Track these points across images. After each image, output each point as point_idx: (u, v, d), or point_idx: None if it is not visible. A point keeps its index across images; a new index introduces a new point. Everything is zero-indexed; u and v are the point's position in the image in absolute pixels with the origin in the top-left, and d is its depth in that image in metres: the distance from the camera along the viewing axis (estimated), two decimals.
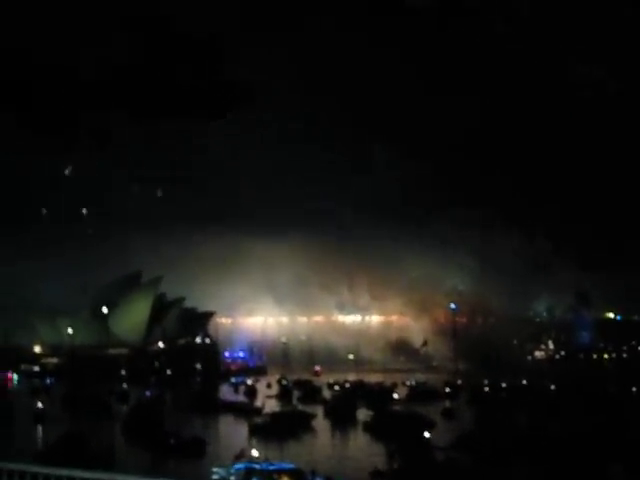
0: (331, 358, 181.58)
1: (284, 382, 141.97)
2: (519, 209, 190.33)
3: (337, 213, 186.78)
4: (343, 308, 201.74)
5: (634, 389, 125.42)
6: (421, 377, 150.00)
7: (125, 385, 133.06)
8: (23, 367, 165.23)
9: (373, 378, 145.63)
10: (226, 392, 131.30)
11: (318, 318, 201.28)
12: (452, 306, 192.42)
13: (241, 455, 60.36)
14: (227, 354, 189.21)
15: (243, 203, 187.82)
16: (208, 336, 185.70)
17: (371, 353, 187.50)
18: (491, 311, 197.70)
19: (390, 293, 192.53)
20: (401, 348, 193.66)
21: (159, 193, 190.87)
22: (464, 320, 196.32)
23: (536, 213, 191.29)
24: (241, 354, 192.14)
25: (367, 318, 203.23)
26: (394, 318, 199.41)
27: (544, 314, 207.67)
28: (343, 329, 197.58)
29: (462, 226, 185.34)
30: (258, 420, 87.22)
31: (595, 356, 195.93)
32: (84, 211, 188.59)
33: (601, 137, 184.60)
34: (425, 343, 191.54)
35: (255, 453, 61.26)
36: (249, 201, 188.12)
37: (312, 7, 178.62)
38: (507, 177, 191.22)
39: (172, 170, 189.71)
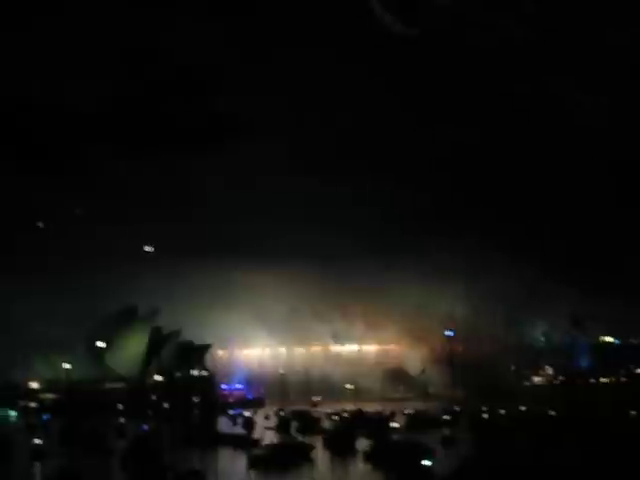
0: (329, 388, 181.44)
1: (282, 413, 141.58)
2: (512, 236, 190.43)
3: (328, 243, 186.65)
4: (337, 338, 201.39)
5: (633, 413, 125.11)
6: (419, 405, 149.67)
7: (122, 419, 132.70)
8: (20, 403, 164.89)
9: (371, 407, 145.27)
10: (224, 424, 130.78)
11: (313, 348, 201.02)
12: (449, 333, 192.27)
13: None
14: (224, 386, 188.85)
15: (235, 235, 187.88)
16: (205, 368, 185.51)
17: (368, 382, 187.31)
18: (488, 338, 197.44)
19: (384, 322, 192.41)
20: (398, 377, 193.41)
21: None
22: (461, 347, 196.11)
23: (529, 240, 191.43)
24: (238, 386, 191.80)
25: (362, 347, 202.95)
26: (389, 347, 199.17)
27: (541, 340, 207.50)
28: (339, 359, 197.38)
29: (455, 254, 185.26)
30: (257, 452, 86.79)
31: (593, 380, 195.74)
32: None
33: (593, 161, 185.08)
34: (423, 371, 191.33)
35: None
36: (241, 233, 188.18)
37: (302, 40, 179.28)
38: (500, 204, 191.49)
39: (163, 202, 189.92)
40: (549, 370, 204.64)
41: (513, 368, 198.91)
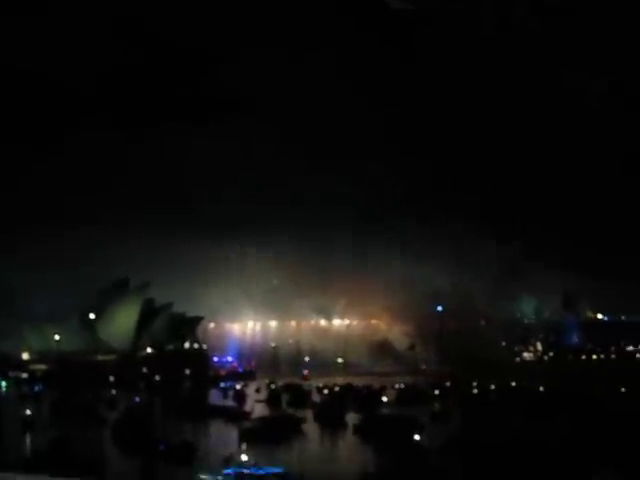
0: (318, 362, 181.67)
1: (273, 386, 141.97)
2: (502, 213, 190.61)
3: (313, 219, 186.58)
4: (322, 312, 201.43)
5: (623, 389, 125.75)
6: (409, 380, 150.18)
7: (114, 391, 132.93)
8: (11, 374, 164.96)
9: (361, 381, 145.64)
10: (215, 397, 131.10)
11: (302, 323, 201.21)
12: (438, 308, 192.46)
13: (230, 459, 60.30)
14: (216, 359, 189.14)
15: (224, 210, 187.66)
16: (197, 341, 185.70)
17: (357, 357, 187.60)
18: (477, 314, 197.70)
19: (369, 297, 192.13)
20: (387, 352, 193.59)
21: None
22: (450, 323, 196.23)
23: (519, 215, 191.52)
24: (230, 359, 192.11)
25: (350, 322, 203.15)
26: (377, 322, 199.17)
27: (532, 316, 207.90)
28: (325, 333, 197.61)
29: (443, 230, 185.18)
30: (248, 425, 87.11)
31: (584, 357, 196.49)
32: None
33: (588, 142, 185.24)
34: (412, 346, 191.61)
35: (244, 458, 61.19)
36: (230, 207, 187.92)
37: (301, 19, 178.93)
38: (491, 178, 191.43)
39: (157, 177, 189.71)
40: (539, 346, 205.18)
41: (503, 344, 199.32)
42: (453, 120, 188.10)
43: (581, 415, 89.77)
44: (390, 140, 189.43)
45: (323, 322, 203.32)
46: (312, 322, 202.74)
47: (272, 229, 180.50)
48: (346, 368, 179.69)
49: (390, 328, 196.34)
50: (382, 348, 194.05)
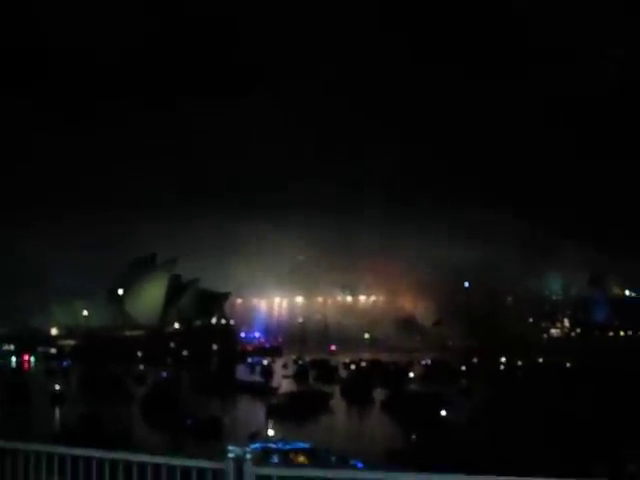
0: (344, 337, 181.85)
1: (300, 362, 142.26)
2: (529, 188, 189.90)
3: (340, 196, 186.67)
4: (347, 289, 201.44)
5: None
6: (436, 356, 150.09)
7: (142, 366, 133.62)
8: (40, 349, 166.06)
9: (387, 357, 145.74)
10: (242, 372, 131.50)
11: (329, 299, 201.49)
12: (465, 284, 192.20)
13: (256, 435, 60.50)
14: (243, 335, 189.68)
15: (252, 186, 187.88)
16: (224, 317, 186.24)
17: (384, 333, 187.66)
18: (505, 290, 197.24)
19: (398, 274, 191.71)
20: (413, 328, 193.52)
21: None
22: (477, 299, 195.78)
23: (546, 192, 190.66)
24: (257, 334, 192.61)
25: (377, 298, 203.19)
26: (404, 298, 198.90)
27: (559, 292, 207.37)
28: (354, 310, 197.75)
29: (471, 208, 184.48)
30: (275, 400, 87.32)
31: (611, 333, 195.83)
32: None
33: (614, 119, 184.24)
34: (439, 322, 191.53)
35: (271, 432, 61.38)
36: (258, 183, 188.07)
37: None
38: (519, 156, 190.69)
39: (182, 153, 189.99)
40: (566, 323, 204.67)
41: (530, 320, 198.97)
42: (484, 99, 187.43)
43: (608, 390, 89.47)
44: (418, 119, 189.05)
45: (349, 298, 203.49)
46: (338, 298, 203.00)
47: (300, 205, 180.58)
48: (373, 344, 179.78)
49: (416, 304, 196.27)
50: (408, 324, 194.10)
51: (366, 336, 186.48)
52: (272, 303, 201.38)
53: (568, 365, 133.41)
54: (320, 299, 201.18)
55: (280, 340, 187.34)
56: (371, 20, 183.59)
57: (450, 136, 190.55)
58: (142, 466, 10.15)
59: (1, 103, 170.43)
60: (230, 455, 9.96)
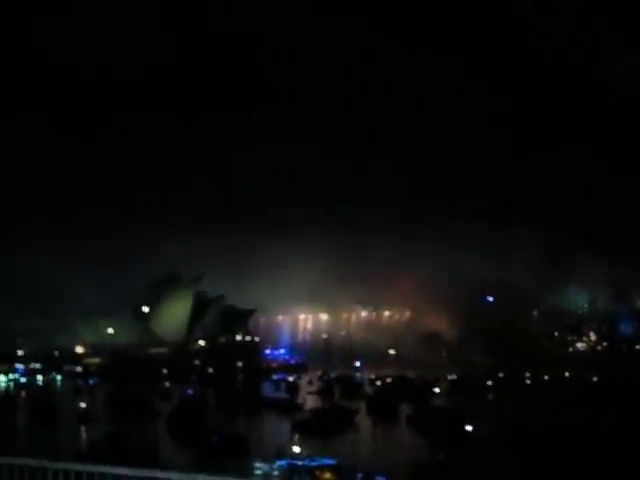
0: (369, 353, 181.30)
1: (325, 378, 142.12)
2: (554, 204, 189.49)
3: (357, 213, 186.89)
4: (374, 305, 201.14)
5: None
6: (461, 371, 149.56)
7: (167, 384, 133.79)
8: (66, 367, 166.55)
9: (412, 373, 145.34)
10: (268, 389, 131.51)
11: (353, 315, 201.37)
12: (489, 299, 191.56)
13: (282, 451, 60.49)
14: (268, 351, 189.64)
15: (273, 204, 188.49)
16: (249, 334, 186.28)
17: (408, 348, 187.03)
18: (530, 304, 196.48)
19: (421, 290, 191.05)
20: (438, 343, 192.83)
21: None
22: (502, 314, 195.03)
23: (571, 208, 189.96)
24: (282, 351, 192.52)
25: (401, 314, 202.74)
26: (427, 314, 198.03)
27: (585, 306, 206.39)
28: (378, 325, 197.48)
29: (494, 223, 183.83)
30: (300, 417, 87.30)
31: (638, 347, 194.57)
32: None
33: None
34: (464, 337, 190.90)
35: (297, 449, 61.38)
36: (279, 202, 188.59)
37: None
38: (540, 170, 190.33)
39: (204, 171, 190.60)
40: (592, 336, 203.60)
41: (556, 334, 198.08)
42: (502, 110, 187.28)
43: (636, 405, 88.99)
44: (434, 132, 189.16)
45: (373, 314, 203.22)
46: (363, 314, 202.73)
47: (322, 223, 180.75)
48: (397, 360, 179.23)
49: (440, 320, 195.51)
50: (433, 340, 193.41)
51: (391, 352, 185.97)
52: (296, 320, 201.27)
53: (595, 379, 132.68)
54: (344, 315, 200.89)
55: (305, 357, 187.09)
56: (387, 41, 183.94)
57: (470, 152, 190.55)
58: None
59: (22, 120, 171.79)
60: (257, 472, 10.08)
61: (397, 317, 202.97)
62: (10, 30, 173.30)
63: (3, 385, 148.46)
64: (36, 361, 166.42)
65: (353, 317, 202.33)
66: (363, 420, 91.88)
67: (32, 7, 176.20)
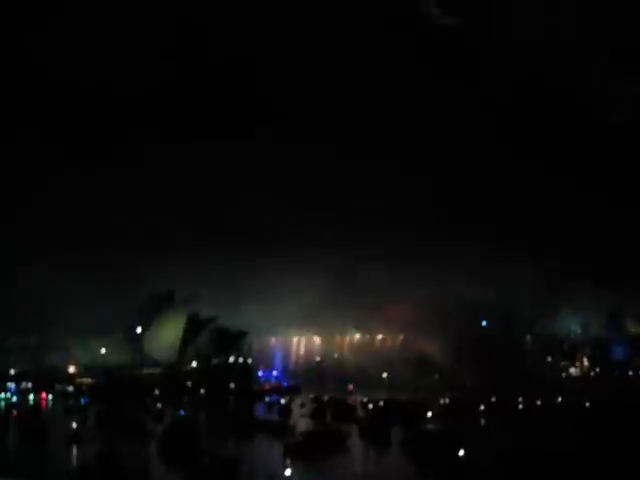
0: (363, 377, 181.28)
1: (318, 401, 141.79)
2: (545, 229, 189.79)
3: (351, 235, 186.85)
4: (367, 327, 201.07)
5: None
6: (454, 395, 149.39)
7: (159, 405, 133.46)
8: (57, 387, 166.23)
9: (405, 396, 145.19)
10: (260, 411, 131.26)
11: (346, 338, 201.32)
12: (483, 323, 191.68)
13: (273, 475, 60.27)
14: (260, 373, 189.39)
15: (267, 225, 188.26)
16: (242, 355, 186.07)
17: (401, 371, 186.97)
18: (523, 329, 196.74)
19: (412, 313, 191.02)
20: (431, 367, 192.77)
21: None
22: (495, 338, 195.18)
23: (562, 234, 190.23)
24: (274, 373, 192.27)
25: (394, 337, 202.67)
26: (420, 337, 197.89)
27: (578, 332, 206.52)
28: (370, 348, 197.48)
29: (486, 247, 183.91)
30: (292, 439, 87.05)
31: (631, 372, 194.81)
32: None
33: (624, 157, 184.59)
34: (457, 361, 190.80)
35: (288, 472, 61.14)
36: (272, 222, 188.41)
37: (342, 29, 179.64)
38: (532, 194, 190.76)
39: (200, 188, 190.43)
40: (585, 362, 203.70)
41: (549, 359, 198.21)
42: (490, 133, 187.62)
43: (629, 430, 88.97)
44: (424, 153, 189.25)
45: (367, 337, 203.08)
46: (356, 337, 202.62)
47: (316, 243, 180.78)
48: (390, 383, 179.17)
49: (433, 343, 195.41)
50: (426, 363, 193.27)
51: (384, 375, 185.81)
52: (290, 342, 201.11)
53: (587, 404, 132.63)
54: (337, 338, 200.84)
55: (298, 379, 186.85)
56: (387, 64, 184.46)
57: (463, 174, 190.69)
58: None
59: (17, 137, 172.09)
60: None
61: (390, 341, 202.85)
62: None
63: None
64: (28, 380, 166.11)
65: (346, 340, 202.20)
66: (355, 443, 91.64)
67: (25, 22, 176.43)
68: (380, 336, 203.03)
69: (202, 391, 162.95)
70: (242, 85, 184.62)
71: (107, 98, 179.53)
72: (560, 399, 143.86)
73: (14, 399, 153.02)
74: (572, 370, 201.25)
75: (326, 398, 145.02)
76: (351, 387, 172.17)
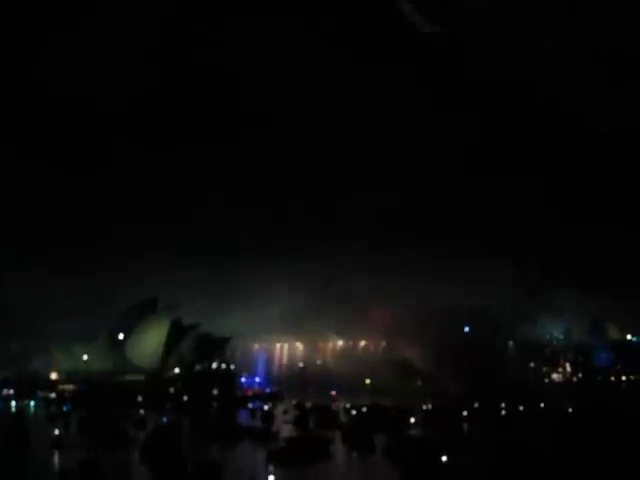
0: (346, 383, 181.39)
1: (301, 407, 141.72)
2: (528, 237, 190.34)
3: (331, 241, 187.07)
4: (350, 333, 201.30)
5: None
6: (436, 401, 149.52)
7: (142, 411, 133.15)
8: (40, 394, 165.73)
9: (388, 402, 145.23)
10: (243, 418, 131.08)
11: (329, 344, 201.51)
12: (466, 329, 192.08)
13: None
14: (243, 379, 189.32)
15: (250, 231, 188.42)
16: (224, 362, 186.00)
17: (384, 378, 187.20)
18: (505, 335, 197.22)
19: (395, 319, 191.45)
20: (413, 373, 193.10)
21: None
22: (478, 344, 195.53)
23: (546, 238, 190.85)
24: (257, 379, 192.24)
25: (376, 344, 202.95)
26: (403, 343, 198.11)
27: (560, 337, 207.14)
28: (353, 354, 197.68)
29: (468, 253, 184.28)
30: (275, 445, 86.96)
31: (613, 378, 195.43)
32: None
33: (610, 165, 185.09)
34: (439, 367, 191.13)
35: (271, 478, 61.09)
36: (256, 229, 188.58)
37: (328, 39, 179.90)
38: (515, 199, 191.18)
39: (183, 198, 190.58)
40: (568, 368, 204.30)
41: (532, 365, 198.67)
42: (477, 141, 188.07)
43: (612, 435, 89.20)
44: (407, 162, 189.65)
45: (349, 343, 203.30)
46: (339, 343, 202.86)
47: (297, 251, 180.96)
48: (374, 389, 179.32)
49: (416, 350, 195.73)
50: (408, 369, 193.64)
51: (367, 381, 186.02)
52: (273, 348, 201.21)
53: (570, 410, 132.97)
54: (320, 345, 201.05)
55: (281, 385, 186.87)
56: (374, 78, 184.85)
57: (445, 183, 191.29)
58: None
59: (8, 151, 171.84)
60: None
61: (373, 347, 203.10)
62: None
63: None
64: (10, 387, 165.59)
65: (329, 346, 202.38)
66: (338, 449, 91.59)
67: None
68: (363, 342, 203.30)
69: (185, 397, 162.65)
70: (227, 97, 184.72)
71: (91, 109, 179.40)
72: (542, 405, 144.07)
73: None
74: (554, 376, 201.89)
75: (309, 404, 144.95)
76: (334, 393, 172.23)
